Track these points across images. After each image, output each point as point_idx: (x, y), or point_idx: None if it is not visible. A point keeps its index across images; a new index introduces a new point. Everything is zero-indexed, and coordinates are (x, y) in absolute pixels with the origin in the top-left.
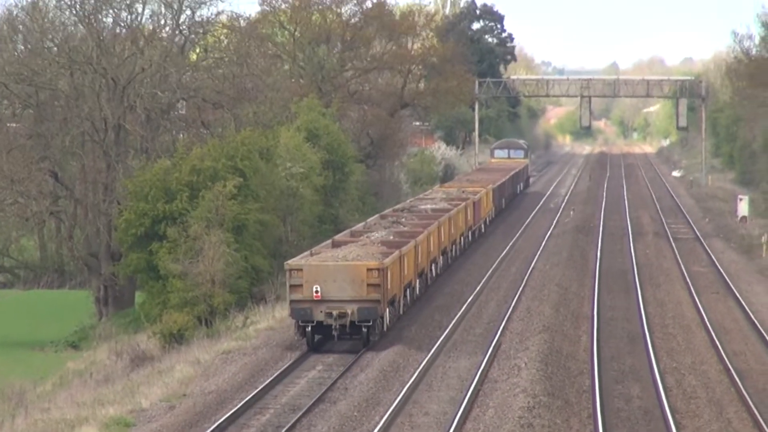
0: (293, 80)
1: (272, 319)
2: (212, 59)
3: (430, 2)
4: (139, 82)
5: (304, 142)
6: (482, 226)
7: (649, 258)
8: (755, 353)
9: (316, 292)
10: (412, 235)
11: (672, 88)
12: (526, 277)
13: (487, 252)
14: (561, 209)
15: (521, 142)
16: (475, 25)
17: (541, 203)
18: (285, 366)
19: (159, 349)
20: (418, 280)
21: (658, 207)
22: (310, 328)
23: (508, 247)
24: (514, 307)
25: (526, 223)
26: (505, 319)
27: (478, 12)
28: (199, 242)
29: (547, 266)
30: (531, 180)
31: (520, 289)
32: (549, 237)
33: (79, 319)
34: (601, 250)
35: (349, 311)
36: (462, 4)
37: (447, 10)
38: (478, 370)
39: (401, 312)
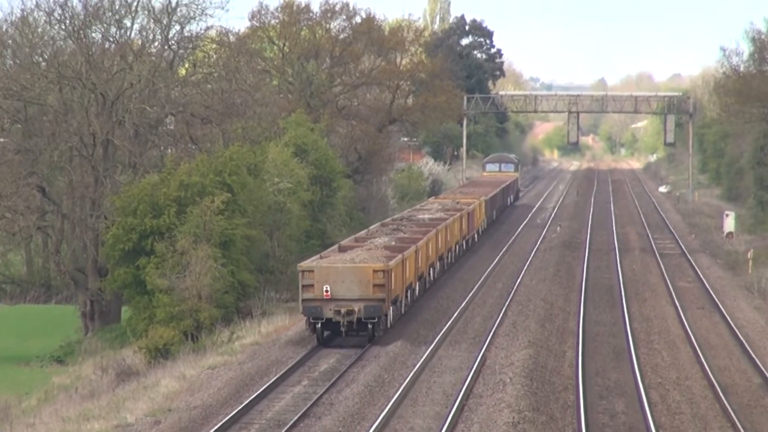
0: (282, 95)
1: (258, 335)
2: (201, 74)
3: (419, 18)
4: (127, 97)
5: (292, 158)
6: (475, 235)
7: (635, 273)
8: (740, 369)
9: (326, 291)
10: (412, 241)
11: (660, 104)
12: (512, 292)
13: (477, 263)
14: (548, 225)
15: (512, 156)
16: (464, 41)
17: (529, 216)
18: (270, 381)
19: (145, 364)
20: (417, 283)
21: (644, 223)
22: (320, 325)
23: (497, 258)
24: (500, 322)
25: (516, 233)
26: (491, 334)
27: (467, 28)
28: (186, 257)
29: (533, 281)
30: (520, 194)
31: (506, 304)
32: (536, 252)
33: (66, 334)
34: (587, 265)
35: (356, 309)
36: (451, 20)
37: (436, 26)
38: (463, 385)
39: (402, 311)
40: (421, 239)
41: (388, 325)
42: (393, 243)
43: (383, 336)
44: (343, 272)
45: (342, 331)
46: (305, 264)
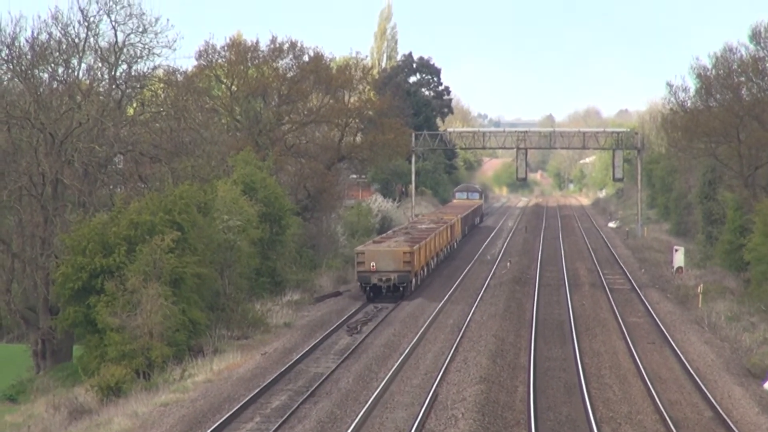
0: (230, 134)
1: (210, 372)
2: (149, 113)
3: (366, 56)
4: (76, 137)
5: (241, 196)
6: (455, 243)
7: (585, 308)
8: (690, 402)
9: (373, 265)
10: (422, 238)
11: (608, 139)
12: (463, 328)
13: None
14: (497, 261)
15: (477, 186)
16: (412, 78)
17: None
18: (222, 418)
19: (97, 402)
20: (426, 267)
21: (594, 258)
22: (368, 288)
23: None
24: (451, 357)
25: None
26: (443, 369)
27: (414, 65)
28: (137, 295)
29: (484, 317)
30: (484, 217)
31: (457, 340)
32: (486, 288)
33: (17, 372)
34: (537, 300)
35: (392, 277)
36: (399, 58)
37: (384, 64)
38: (415, 421)
39: (419, 282)
40: (427, 237)
41: (413, 288)
42: (409, 239)
43: (409, 296)
44: (384, 253)
45: (383, 293)
46: (359, 248)
